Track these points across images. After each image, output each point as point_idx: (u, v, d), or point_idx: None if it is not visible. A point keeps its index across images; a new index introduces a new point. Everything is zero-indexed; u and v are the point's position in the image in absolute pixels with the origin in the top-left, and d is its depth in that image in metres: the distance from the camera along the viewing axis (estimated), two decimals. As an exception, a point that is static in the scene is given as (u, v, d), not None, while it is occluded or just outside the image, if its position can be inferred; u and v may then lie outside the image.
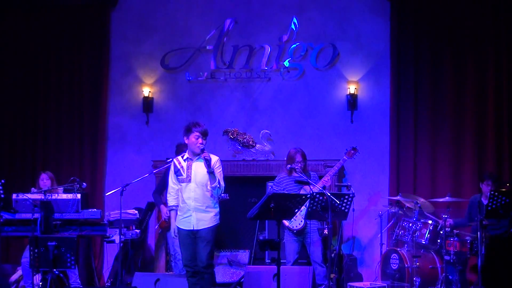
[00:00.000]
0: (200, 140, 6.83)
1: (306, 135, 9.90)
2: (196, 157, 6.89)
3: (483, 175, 8.55)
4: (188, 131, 6.88)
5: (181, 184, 6.91)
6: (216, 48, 10.13)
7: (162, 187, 8.74)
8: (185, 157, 6.96)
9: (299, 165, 7.84)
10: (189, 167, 6.90)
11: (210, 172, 6.80)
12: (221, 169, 6.95)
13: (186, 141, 6.91)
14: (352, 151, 8.24)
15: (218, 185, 6.86)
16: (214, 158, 6.91)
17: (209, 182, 6.84)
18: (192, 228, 6.86)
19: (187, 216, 6.88)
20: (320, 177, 8.12)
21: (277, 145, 9.87)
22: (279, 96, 10.11)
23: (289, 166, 7.76)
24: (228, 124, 9.90)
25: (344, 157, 8.23)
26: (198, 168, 6.87)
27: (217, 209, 6.97)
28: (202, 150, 6.80)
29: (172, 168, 7.02)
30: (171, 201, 7.03)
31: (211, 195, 6.89)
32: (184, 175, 6.89)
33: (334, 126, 9.95)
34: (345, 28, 10.00)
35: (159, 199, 8.70)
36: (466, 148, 9.51)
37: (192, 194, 6.86)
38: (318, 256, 7.79)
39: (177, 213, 6.97)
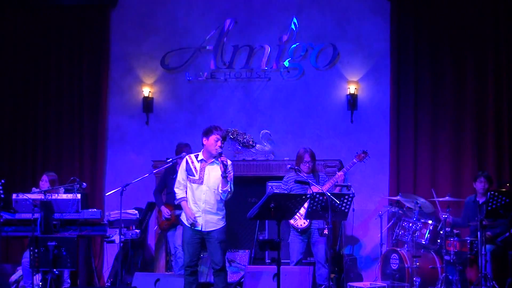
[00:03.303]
0: (219, 143, 6.87)
1: (306, 135, 9.90)
2: (211, 160, 6.93)
3: (475, 175, 8.57)
4: (208, 133, 6.91)
5: (192, 184, 6.94)
6: (216, 48, 10.14)
7: (162, 186, 8.75)
8: (199, 158, 6.98)
9: (307, 165, 7.84)
10: (202, 169, 6.94)
11: (224, 176, 6.83)
12: (232, 173, 6.98)
13: (205, 142, 6.92)
14: (362, 155, 8.05)
15: (229, 190, 6.91)
16: (228, 163, 6.93)
17: (220, 186, 6.88)
18: (200, 229, 6.92)
19: (196, 216, 6.91)
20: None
21: (277, 145, 9.87)
22: (279, 96, 10.11)
23: (289, 166, 7.71)
24: (228, 124, 9.88)
25: (354, 160, 8.03)
26: (212, 171, 6.92)
27: (224, 211, 7.04)
28: (220, 154, 6.85)
29: (184, 164, 7.02)
30: (180, 193, 7.02)
31: (220, 198, 6.95)
32: (197, 177, 6.93)
33: (334, 126, 9.95)
34: (345, 28, 10.00)
35: (160, 199, 8.70)
36: (466, 148, 9.51)
37: (203, 196, 6.91)
38: (322, 256, 7.76)
39: (187, 202, 6.96)
